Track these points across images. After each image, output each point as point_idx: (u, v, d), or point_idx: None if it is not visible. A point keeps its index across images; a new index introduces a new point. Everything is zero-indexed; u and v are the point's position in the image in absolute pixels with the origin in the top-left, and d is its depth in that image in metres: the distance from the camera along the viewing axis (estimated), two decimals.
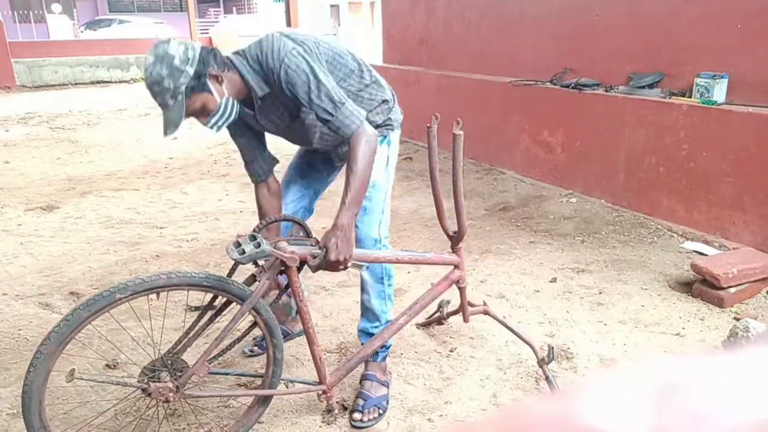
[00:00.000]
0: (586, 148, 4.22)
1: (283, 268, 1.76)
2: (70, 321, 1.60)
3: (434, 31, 6.00)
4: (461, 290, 2.17)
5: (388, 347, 2.23)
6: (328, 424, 2.01)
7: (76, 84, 12.69)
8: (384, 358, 2.21)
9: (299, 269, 1.78)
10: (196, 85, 1.67)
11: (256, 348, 2.43)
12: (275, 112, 1.89)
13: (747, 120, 3.19)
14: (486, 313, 2.28)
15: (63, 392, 2.14)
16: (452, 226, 2.06)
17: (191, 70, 1.64)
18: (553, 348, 2.16)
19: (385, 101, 2.05)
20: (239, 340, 1.92)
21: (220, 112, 1.75)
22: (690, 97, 3.50)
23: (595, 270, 3.14)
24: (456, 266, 2.10)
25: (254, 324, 1.87)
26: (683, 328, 2.56)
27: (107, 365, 2.32)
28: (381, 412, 2.06)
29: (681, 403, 0.22)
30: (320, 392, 1.93)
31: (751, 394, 0.22)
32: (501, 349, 2.43)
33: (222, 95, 1.74)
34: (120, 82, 13.23)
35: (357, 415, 2.02)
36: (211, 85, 1.71)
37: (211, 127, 1.78)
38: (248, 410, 1.98)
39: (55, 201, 4.45)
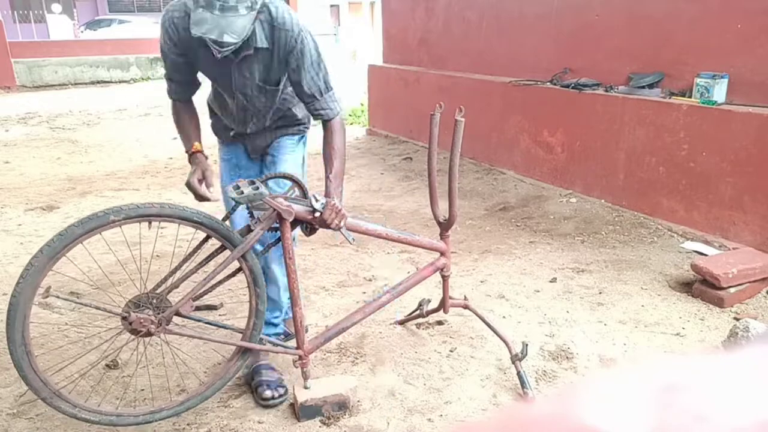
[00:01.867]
0: (586, 148, 4.22)
1: (277, 222, 1.85)
2: (64, 236, 1.63)
3: (434, 31, 5.99)
4: (444, 279, 2.19)
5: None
6: (328, 425, 2.01)
7: (76, 84, 12.68)
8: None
9: (293, 226, 1.86)
10: (259, 9, 1.74)
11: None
12: (253, 68, 1.90)
13: (747, 120, 3.19)
14: (466, 307, 2.31)
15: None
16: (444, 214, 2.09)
17: None
18: (527, 345, 2.18)
19: None
20: (221, 283, 1.97)
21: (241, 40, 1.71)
22: (690, 97, 3.50)
23: (595, 270, 3.14)
24: (442, 253, 2.12)
25: (239, 269, 1.91)
26: (683, 328, 2.56)
27: (107, 365, 2.32)
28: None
29: (681, 403, 0.22)
30: (296, 357, 1.97)
31: (751, 394, 0.22)
32: (501, 349, 2.42)
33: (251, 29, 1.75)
34: (120, 82, 13.23)
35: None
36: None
37: (223, 51, 1.71)
38: (227, 363, 1.99)
39: (55, 201, 4.45)
